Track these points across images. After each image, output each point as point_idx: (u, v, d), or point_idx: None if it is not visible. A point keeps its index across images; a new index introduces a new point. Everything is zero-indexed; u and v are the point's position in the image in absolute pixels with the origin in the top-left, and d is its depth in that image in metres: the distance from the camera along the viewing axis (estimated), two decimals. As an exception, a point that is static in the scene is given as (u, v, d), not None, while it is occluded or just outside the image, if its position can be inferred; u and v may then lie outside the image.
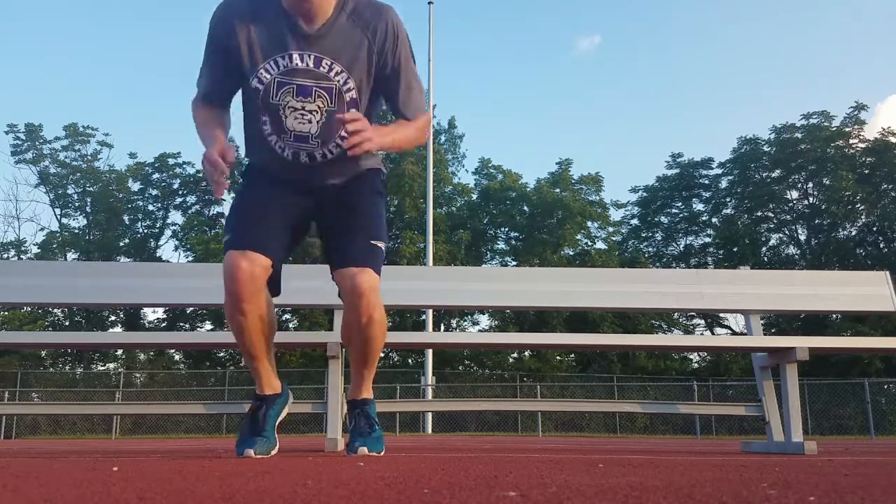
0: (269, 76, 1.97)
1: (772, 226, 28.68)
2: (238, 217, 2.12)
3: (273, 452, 2.08)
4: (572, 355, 24.42)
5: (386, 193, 2.32)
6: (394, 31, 2.00)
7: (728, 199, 29.28)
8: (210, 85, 2.10)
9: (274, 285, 2.12)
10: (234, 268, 1.97)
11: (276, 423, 2.16)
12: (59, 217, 27.73)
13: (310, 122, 2.01)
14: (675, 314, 24.02)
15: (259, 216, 2.10)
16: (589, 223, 27.17)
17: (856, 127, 26.90)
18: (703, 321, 26.32)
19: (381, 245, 2.12)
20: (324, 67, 1.95)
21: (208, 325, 25.75)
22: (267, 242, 2.04)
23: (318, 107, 1.99)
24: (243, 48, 1.96)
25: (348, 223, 2.13)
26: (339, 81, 1.97)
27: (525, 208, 27.23)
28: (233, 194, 2.44)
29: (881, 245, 27.07)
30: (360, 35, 1.96)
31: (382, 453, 2.16)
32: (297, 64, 1.95)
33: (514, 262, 26.67)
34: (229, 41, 1.97)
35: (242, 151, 2.33)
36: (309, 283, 3.17)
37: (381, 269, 2.10)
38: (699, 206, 29.79)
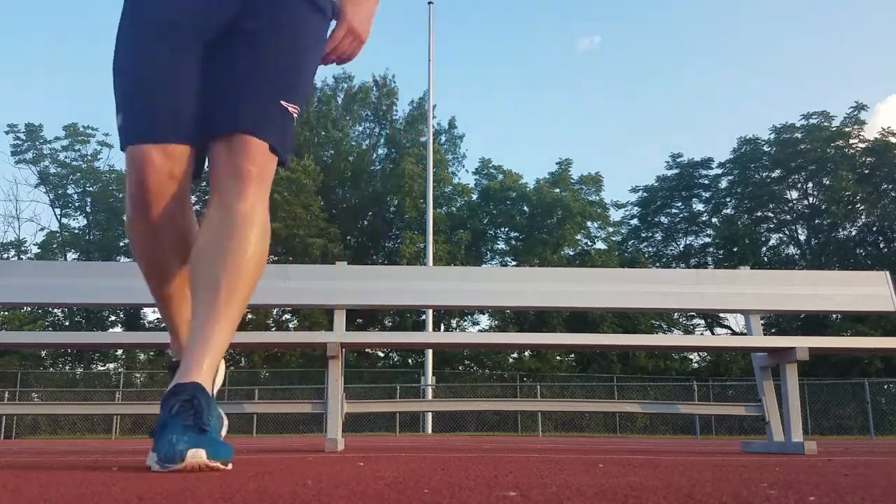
0: None
1: (772, 226, 28.69)
2: (125, 82, 1.48)
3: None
4: (572, 355, 24.42)
5: (321, 23, 1.54)
6: None
7: (728, 199, 29.29)
8: None
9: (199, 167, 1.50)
10: (144, 163, 1.38)
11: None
12: (59, 217, 27.75)
13: None
14: (675, 314, 24.02)
15: (160, 60, 1.41)
16: (589, 223, 27.18)
17: (856, 127, 26.91)
18: (703, 321, 26.32)
19: (294, 109, 1.46)
20: None
21: (208, 325, 25.72)
22: (182, 116, 1.40)
23: None
24: None
25: (254, 63, 1.42)
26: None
27: (525, 208, 27.24)
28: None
29: (881, 245, 27.07)
30: None
31: (228, 465, 1.28)
32: None
33: (514, 262, 26.68)
34: None
35: None
36: (309, 284, 3.18)
37: (290, 143, 1.46)
38: (699, 207, 29.83)
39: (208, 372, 1.31)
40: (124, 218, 1.47)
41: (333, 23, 1.60)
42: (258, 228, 1.40)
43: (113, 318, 26.23)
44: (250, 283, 1.38)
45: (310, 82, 1.53)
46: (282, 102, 1.43)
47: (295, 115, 1.47)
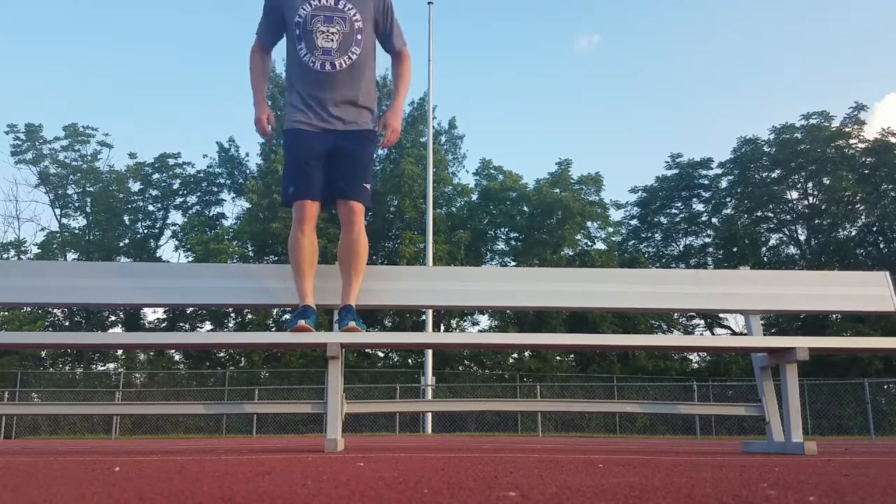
0: (305, 11, 3.05)
1: (772, 226, 28.68)
2: (290, 175, 3.10)
3: (313, 329, 3.01)
4: (572, 355, 24.41)
5: (375, 142, 3.26)
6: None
7: (728, 200, 29.27)
8: (265, 32, 3.22)
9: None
10: (300, 208, 3.03)
11: (313, 324, 3.03)
12: (59, 217, 27.74)
13: (332, 40, 3.04)
14: (675, 314, 24.02)
15: (302, 170, 3.06)
16: (589, 223, 27.17)
17: (855, 127, 26.91)
18: (703, 321, 26.32)
19: (368, 186, 3.12)
20: (340, 4, 3.06)
21: (208, 326, 25.76)
22: (313, 189, 3.05)
23: (338, 29, 3.05)
24: (284, 3, 3.10)
25: (350, 168, 3.08)
26: (350, 14, 3.06)
27: (525, 209, 27.23)
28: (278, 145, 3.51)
29: (881, 245, 27.07)
30: None
31: (366, 330, 3.06)
32: (323, 3, 3.05)
33: (513, 263, 26.67)
34: (279, 1, 3.11)
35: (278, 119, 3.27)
36: (309, 284, 3.18)
37: (369, 200, 3.13)
38: (699, 207, 29.81)
39: (354, 300, 3.11)
40: (290, 239, 3.09)
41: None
42: (363, 243, 3.12)
43: (113, 318, 26.23)
44: (363, 267, 3.14)
45: (372, 173, 3.21)
46: (364, 184, 3.10)
47: (369, 188, 3.12)
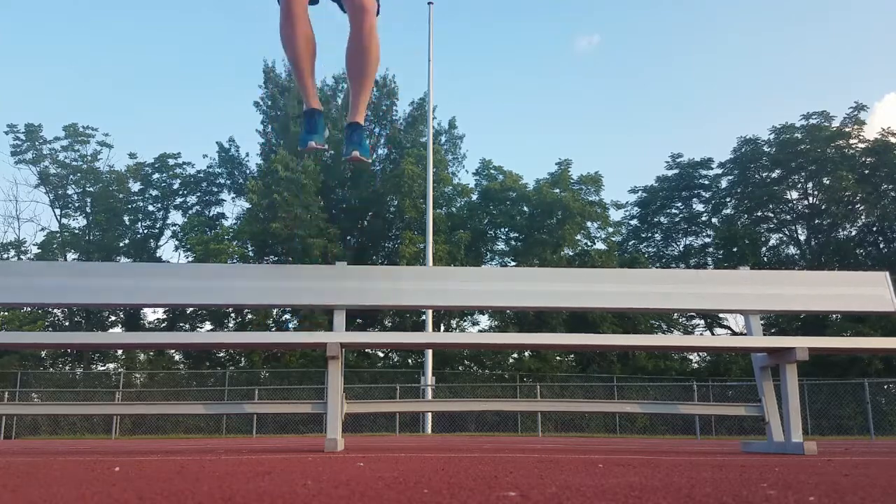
0: None
1: (772, 226, 28.67)
2: None
3: (325, 146, 2.73)
4: (572, 355, 24.40)
5: None
6: None
7: (728, 200, 29.26)
8: None
9: None
10: None
11: (323, 134, 2.76)
12: (59, 217, 27.73)
13: None
14: (675, 314, 24.02)
15: None
16: (588, 223, 27.16)
17: (855, 127, 26.90)
18: (703, 321, 26.31)
19: None
20: None
21: (208, 326, 25.75)
22: None
23: None
24: None
25: None
26: None
27: (525, 209, 27.22)
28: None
29: (881, 245, 27.06)
30: None
31: (370, 160, 2.75)
32: None
33: (513, 263, 26.66)
34: None
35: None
36: (309, 284, 3.18)
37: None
38: (699, 207, 29.80)
39: (362, 116, 2.78)
40: (281, 31, 2.63)
41: None
42: (375, 42, 2.65)
43: (113, 318, 26.23)
44: (375, 71, 2.74)
45: None
46: None
47: None
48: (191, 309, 24.61)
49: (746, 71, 45.48)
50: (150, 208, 28.41)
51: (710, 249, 28.89)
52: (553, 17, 44.22)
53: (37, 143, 26.86)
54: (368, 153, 2.74)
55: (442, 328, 24.90)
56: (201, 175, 28.43)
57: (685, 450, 3.61)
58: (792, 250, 28.26)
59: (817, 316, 20.60)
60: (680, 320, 25.94)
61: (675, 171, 29.62)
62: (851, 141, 26.99)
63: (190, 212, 28.17)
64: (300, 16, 2.62)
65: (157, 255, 27.81)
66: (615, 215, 29.73)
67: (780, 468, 1.61)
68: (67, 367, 24.72)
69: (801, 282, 3.54)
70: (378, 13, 2.68)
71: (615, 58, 44.93)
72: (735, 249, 27.44)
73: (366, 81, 2.71)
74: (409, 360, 23.23)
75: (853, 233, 27.38)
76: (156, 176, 28.36)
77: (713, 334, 25.41)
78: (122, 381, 20.46)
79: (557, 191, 26.76)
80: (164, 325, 25.93)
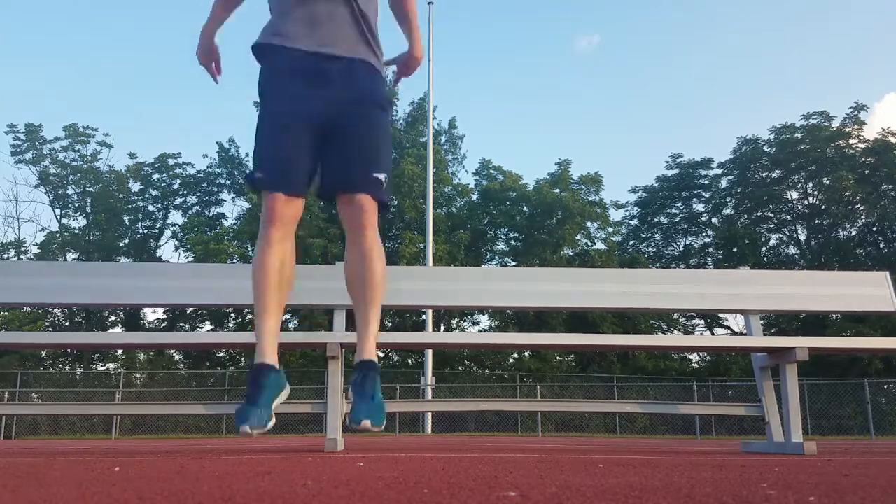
0: None
1: (772, 226, 28.68)
2: (264, 144, 2.10)
3: (269, 426, 1.92)
4: (572, 355, 24.41)
5: (390, 107, 2.27)
6: None
7: (728, 200, 29.27)
8: None
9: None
10: (272, 212, 2.04)
11: (273, 401, 2.03)
12: (59, 217, 27.74)
13: None
14: (675, 314, 24.02)
15: (283, 139, 2.07)
16: (588, 223, 27.17)
17: (855, 127, 26.91)
18: (703, 321, 26.31)
19: (382, 176, 2.11)
20: None
21: (208, 326, 25.76)
22: (297, 177, 2.06)
23: None
24: None
25: (353, 142, 2.10)
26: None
27: (525, 209, 27.23)
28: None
29: (881, 245, 27.06)
30: None
31: (384, 426, 2.04)
32: None
33: (513, 263, 26.66)
34: None
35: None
36: (309, 284, 3.17)
37: (387, 193, 2.12)
38: (699, 207, 29.81)
39: (373, 353, 2.12)
40: (256, 249, 2.09)
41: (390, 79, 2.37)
42: (378, 256, 2.12)
43: (113, 318, 26.23)
44: (381, 294, 2.15)
45: (389, 157, 2.20)
46: (375, 174, 2.09)
47: (384, 178, 2.11)
48: (191, 309, 24.61)
49: (746, 71, 45.50)
50: (150, 208, 28.42)
51: (710, 249, 28.89)
52: (553, 17, 44.23)
53: (37, 143, 26.87)
54: (382, 417, 1.98)
55: (442, 328, 24.91)
56: (201, 175, 28.43)
57: (685, 450, 3.61)
58: (792, 250, 28.28)
59: (817, 316, 20.61)
60: (680, 320, 25.94)
61: (675, 171, 29.64)
62: (851, 141, 27.01)
63: (190, 212, 28.19)
64: (283, 233, 2.05)
65: (157, 255, 27.82)
66: (615, 215, 29.80)
67: (780, 468, 1.61)
68: (67, 367, 24.73)
69: (801, 282, 3.54)
70: (387, 210, 2.17)
71: (615, 58, 44.94)
72: (735, 249, 27.44)
73: (372, 308, 2.14)
74: (409, 360, 23.24)
75: (853, 233, 27.40)
76: (156, 176, 28.37)
77: (713, 334, 25.41)
78: (122, 381, 20.46)
79: (557, 191, 26.76)
80: (164, 325, 25.93)
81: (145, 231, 28.43)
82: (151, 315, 26.41)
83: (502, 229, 27.75)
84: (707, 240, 29.35)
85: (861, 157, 26.66)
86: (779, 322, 23.04)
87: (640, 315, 23.03)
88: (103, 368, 25.22)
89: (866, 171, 26.44)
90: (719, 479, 1.26)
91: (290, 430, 16.96)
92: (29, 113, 56.05)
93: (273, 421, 1.97)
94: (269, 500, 0.88)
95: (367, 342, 2.14)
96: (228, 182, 28.70)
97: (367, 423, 1.93)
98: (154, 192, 28.33)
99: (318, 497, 0.91)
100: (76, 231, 27.65)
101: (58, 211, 27.74)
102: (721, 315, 24.73)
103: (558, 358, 24.29)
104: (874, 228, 26.89)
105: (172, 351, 23.12)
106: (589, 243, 27.26)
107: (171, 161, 28.22)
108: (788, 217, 28.52)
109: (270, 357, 2.07)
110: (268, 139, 2.09)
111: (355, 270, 2.12)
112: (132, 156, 28.68)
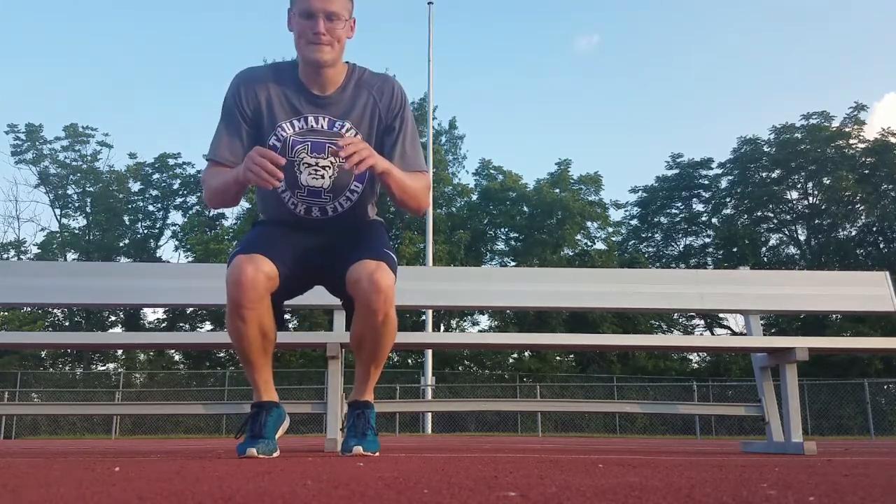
0: (286, 134, 2.10)
1: (772, 226, 28.69)
2: (250, 238, 2.19)
3: (275, 455, 2.05)
4: (572, 355, 24.41)
5: (388, 234, 2.37)
6: (400, 95, 2.18)
7: (728, 200, 29.27)
8: (227, 149, 2.16)
9: (279, 316, 2.15)
10: (239, 271, 1.95)
11: (276, 433, 2.14)
12: (59, 217, 27.74)
13: (322, 177, 2.12)
14: (675, 314, 24.02)
15: (271, 239, 2.13)
16: (588, 223, 27.17)
17: (855, 127, 26.92)
18: (703, 321, 26.31)
19: (392, 253, 2.13)
20: (336, 127, 2.10)
21: (208, 326, 25.74)
22: (275, 256, 2.02)
23: (331, 162, 2.11)
24: (263, 109, 2.10)
25: (355, 241, 2.15)
26: (349, 135, 2.09)
27: (525, 209, 27.23)
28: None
29: (881, 245, 27.07)
30: (367, 96, 2.13)
31: (378, 454, 2.12)
32: (312, 125, 2.10)
33: (513, 263, 26.67)
34: (250, 105, 2.11)
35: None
36: (309, 284, 3.17)
37: (396, 273, 2.08)
38: (699, 207, 29.81)
39: (371, 394, 2.23)
40: (227, 319, 2.03)
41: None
42: (391, 326, 2.07)
43: (113, 318, 26.23)
44: (386, 354, 2.17)
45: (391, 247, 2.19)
46: (384, 248, 2.12)
47: (393, 254, 2.12)
48: (191, 309, 24.60)
49: (746, 71, 45.50)
50: (150, 208, 28.43)
51: (710, 249, 28.90)
52: (553, 17, 44.21)
53: (37, 143, 26.87)
54: (376, 446, 2.12)
55: (442, 328, 24.91)
56: (201, 175, 28.44)
57: (685, 450, 3.61)
58: (792, 250, 28.29)
59: (817, 316, 20.60)
60: (680, 320, 25.94)
61: (675, 171, 29.64)
62: (851, 141, 27.02)
63: (190, 212, 28.18)
64: (256, 304, 1.95)
65: (157, 255, 27.82)
66: (615, 215, 29.78)
67: (780, 468, 1.61)
68: (67, 368, 24.72)
69: (801, 282, 3.54)
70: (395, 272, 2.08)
71: (615, 58, 44.92)
72: (735, 249, 27.45)
73: (377, 365, 2.16)
74: (409, 361, 23.24)
75: (853, 233, 27.40)
76: (156, 176, 28.37)
77: (713, 334, 25.41)
78: (122, 382, 20.46)
79: (557, 191, 26.77)
80: (164, 325, 25.93)
81: (145, 231, 28.44)
82: (151, 315, 26.42)
83: (502, 229, 27.75)
84: (707, 240, 29.36)
85: (861, 157, 26.67)
86: (779, 322, 23.04)
87: (640, 315, 23.03)
88: (103, 368, 25.24)
89: (866, 171, 26.45)
90: (719, 479, 1.26)
91: (289, 430, 16.87)
92: (29, 113, 56.15)
93: (278, 452, 2.09)
94: (269, 500, 0.88)
95: (365, 387, 2.20)
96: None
97: (358, 448, 2.03)
98: (154, 192, 28.34)
99: (318, 497, 0.91)
100: (76, 231, 27.65)
101: (58, 211, 27.76)
102: (721, 315, 24.74)
103: (558, 358, 24.29)
104: (874, 228, 26.89)
105: (172, 351, 23.11)
106: (589, 243, 27.28)
107: (171, 161, 28.23)
108: (788, 217, 28.53)
109: (268, 395, 2.13)
110: (257, 235, 2.21)
111: (365, 337, 2.09)
112: (132, 156, 28.69)
